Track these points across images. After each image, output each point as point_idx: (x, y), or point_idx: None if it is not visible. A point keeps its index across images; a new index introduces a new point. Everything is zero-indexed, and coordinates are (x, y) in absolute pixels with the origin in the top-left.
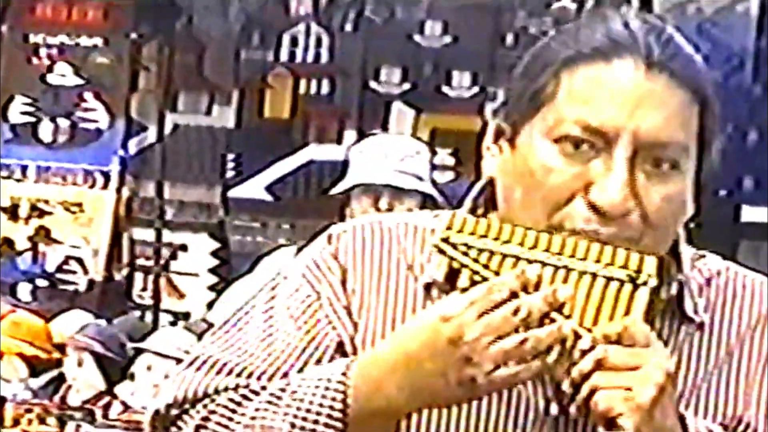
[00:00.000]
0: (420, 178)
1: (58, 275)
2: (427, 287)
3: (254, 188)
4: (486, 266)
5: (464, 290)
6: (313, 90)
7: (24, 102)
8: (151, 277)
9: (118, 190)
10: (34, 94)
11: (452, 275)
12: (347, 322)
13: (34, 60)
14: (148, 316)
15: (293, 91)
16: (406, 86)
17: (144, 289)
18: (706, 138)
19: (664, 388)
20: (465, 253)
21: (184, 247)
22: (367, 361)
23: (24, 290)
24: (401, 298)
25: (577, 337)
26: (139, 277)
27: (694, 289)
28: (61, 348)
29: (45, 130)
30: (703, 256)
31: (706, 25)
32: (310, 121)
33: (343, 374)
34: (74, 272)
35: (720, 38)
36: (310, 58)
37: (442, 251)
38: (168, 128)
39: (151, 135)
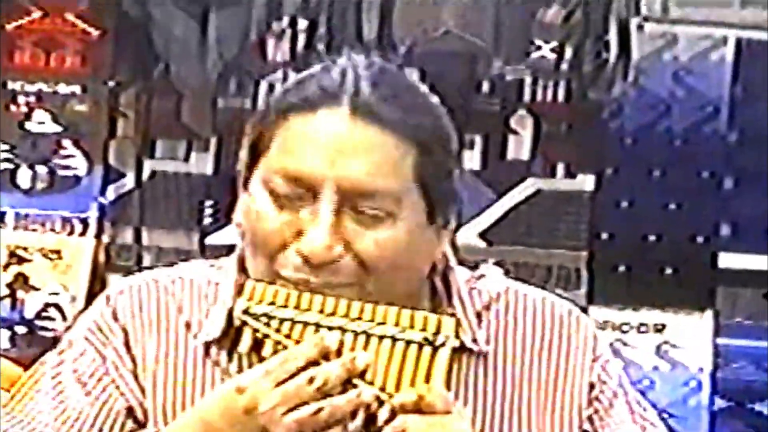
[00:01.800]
0: None
1: (37, 322)
2: (207, 346)
3: (232, 235)
4: (288, 335)
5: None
6: None
7: (2, 149)
8: None
9: (97, 237)
10: (12, 141)
11: (257, 346)
12: (134, 386)
13: (12, 107)
14: None
15: None
16: None
17: None
18: (427, 183)
19: None
20: (267, 324)
21: None
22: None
23: (3, 337)
24: (181, 357)
25: (381, 402)
26: None
27: (471, 317)
28: None
29: (23, 177)
30: (483, 276)
31: (681, 73)
32: None
33: None
34: (53, 319)
35: (695, 85)
36: None
37: (244, 323)
38: (146, 175)
39: (129, 181)
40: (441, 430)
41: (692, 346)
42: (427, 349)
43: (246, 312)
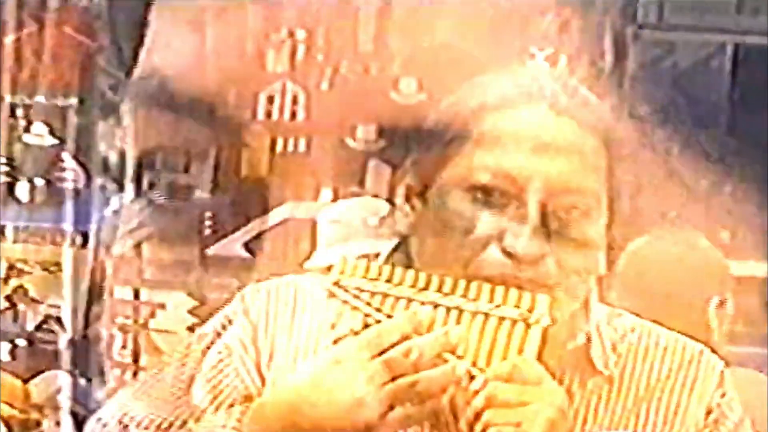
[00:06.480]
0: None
1: (38, 334)
2: (336, 343)
3: (232, 246)
4: (379, 309)
5: (357, 333)
6: (290, 148)
7: (1, 163)
8: (130, 336)
9: (96, 249)
10: (10, 154)
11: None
12: (255, 376)
13: (11, 120)
14: (128, 375)
15: (270, 149)
16: (383, 143)
17: (123, 347)
18: (616, 187)
19: (555, 423)
20: (357, 297)
21: (162, 306)
22: (262, 406)
23: (3, 350)
24: (309, 354)
25: (471, 377)
26: (118, 335)
27: (607, 344)
28: (39, 408)
29: (22, 190)
30: (621, 315)
31: (681, 80)
32: (287, 179)
33: (238, 420)
34: (53, 332)
35: (695, 92)
36: (286, 117)
37: (333, 294)
38: (145, 186)
39: (128, 193)
40: (530, 398)
41: None
42: (520, 326)
43: (336, 284)
